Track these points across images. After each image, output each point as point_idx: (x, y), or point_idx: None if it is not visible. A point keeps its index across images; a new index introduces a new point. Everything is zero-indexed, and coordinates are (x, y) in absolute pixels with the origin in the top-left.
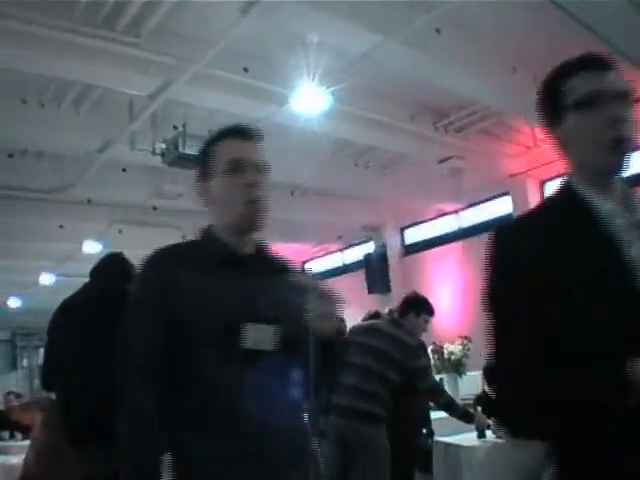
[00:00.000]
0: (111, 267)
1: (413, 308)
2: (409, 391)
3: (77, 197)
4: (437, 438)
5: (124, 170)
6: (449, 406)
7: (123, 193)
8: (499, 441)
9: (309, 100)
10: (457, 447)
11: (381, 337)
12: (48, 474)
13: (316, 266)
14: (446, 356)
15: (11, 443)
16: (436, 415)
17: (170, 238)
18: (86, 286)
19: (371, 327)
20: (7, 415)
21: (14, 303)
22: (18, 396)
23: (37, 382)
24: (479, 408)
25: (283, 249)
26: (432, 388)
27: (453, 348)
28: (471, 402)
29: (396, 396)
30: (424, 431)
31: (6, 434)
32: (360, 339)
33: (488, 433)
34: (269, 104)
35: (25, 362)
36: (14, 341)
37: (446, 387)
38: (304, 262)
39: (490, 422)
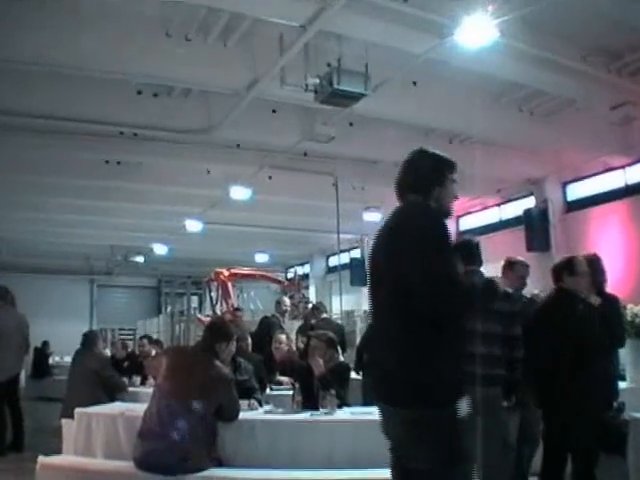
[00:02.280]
0: None
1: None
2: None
3: (224, 139)
4: (631, 413)
5: (274, 111)
6: None
7: (272, 135)
8: None
9: (473, 32)
10: None
11: None
12: None
13: (472, 221)
14: (629, 318)
15: (141, 389)
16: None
17: (321, 185)
18: None
19: None
20: (141, 360)
21: (159, 249)
22: (152, 341)
23: (178, 328)
24: None
25: None
26: None
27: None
28: None
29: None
30: (614, 404)
31: (137, 379)
32: None
33: None
34: (429, 36)
35: (169, 309)
36: (159, 288)
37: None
38: (459, 216)
39: None
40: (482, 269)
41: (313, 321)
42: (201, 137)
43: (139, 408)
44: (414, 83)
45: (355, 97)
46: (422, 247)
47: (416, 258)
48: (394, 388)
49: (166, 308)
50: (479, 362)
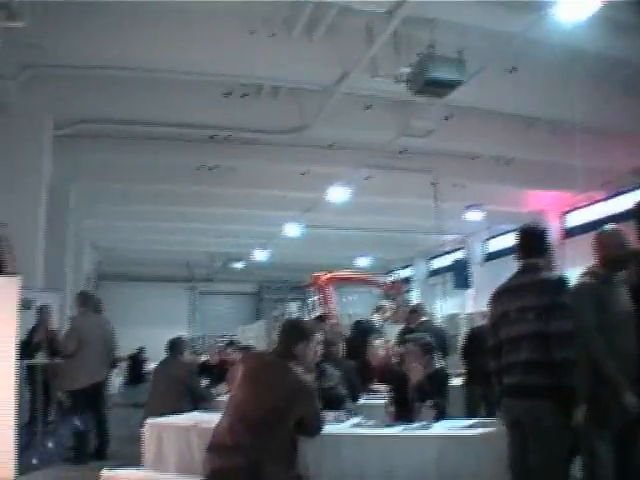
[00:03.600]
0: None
1: None
2: None
3: (318, 139)
4: None
5: (368, 107)
6: None
7: (367, 132)
8: None
9: (573, 4)
10: None
11: None
12: None
13: (578, 217)
14: None
15: (224, 399)
16: None
17: (420, 184)
18: None
19: None
20: (227, 368)
21: (259, 255)
22: (241, 348)
23: (275, 334)
24: None
25: (540, 197)
26: None
27: None
28: None
29: None
30: None
31: (223, 388)
32: None
33: None
34: (527, 14)
35: (268, 315)
36: (260, 294)
37: None
38: (564, 212)
39: None
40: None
41: (412, 325)
42: (294, 137)
43: (216, 419)
44: (513, 69)
45: (450, 85)
46: None
47: None
48: None
49: (267, 314)
50: None
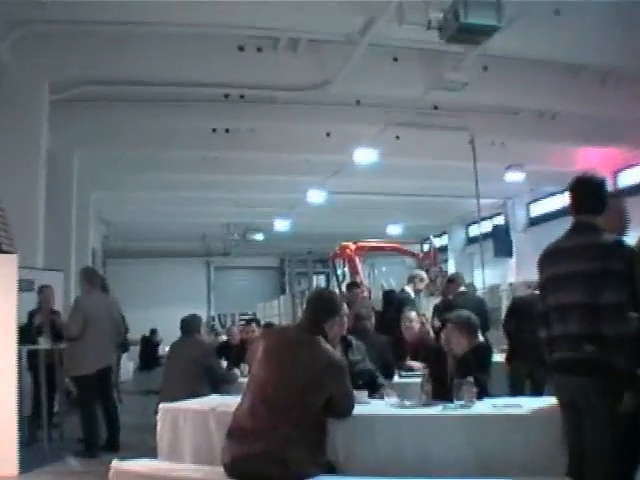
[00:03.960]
0: None
1: None
2: None
3: (342, 95)
4: None
5: (395, 59)
6: None
7: (396, 88)
8: None
9: None
10: None
11: None
12: None
13: (631, 176)
14: None
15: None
16: None
17: (455, 143)
18: None
19: None
20: (248, 347)
21: (281, 225)
22: (262, 325)
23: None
24: None
25: (588, 155)
26: None
27: None
28: None
29: None
30: None
31: (244, 368)
32: None
33: None
34: None
35: (293, 289)
36: (282, 267)
37: None
38: (616, 171)
39: None
40: None
41: (450, 296)
42: (315, 94)
43: (236, 402)
44: (556, 12)
45: (487, 31)
46: None
47: None
48: None
49: (291, 289)
50: None
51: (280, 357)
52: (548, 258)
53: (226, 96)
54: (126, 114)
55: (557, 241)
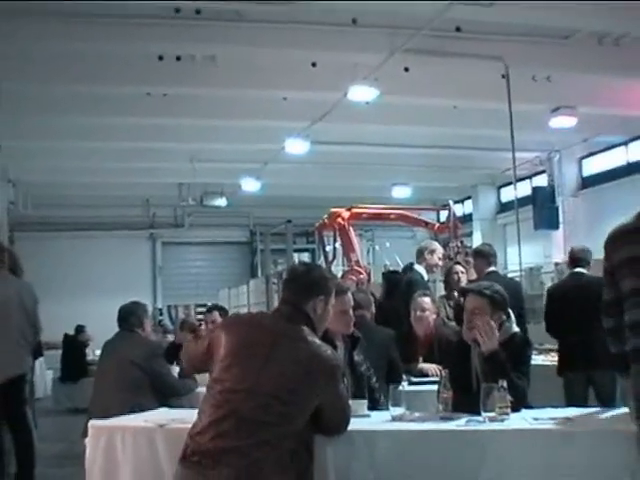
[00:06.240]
0: None
1: None
2: None
3: (332, 12)
4: None
5: None
6: None
7: (405, 1)
8: None
9: None
10: None
11: None
12: None
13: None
14: None
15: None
16: None
17: (484, 77)
18: None
19: None
20: None
21: (250, 186)
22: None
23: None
24: None
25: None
26: None
27: None
28: None
29: None
30: None
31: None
32: None
33: None
34: None
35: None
36: (252, 243)
37: None
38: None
39: None
40: None
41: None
42: (295, 10)
43: (192, 417)
44: None
45: None
46: None
47: None
48: None
49: (264, 271)
50: None
51: (250, 355)
52: (622, 238)
53: (177, 11)
54: (36, 32)
55: (635, 217)
